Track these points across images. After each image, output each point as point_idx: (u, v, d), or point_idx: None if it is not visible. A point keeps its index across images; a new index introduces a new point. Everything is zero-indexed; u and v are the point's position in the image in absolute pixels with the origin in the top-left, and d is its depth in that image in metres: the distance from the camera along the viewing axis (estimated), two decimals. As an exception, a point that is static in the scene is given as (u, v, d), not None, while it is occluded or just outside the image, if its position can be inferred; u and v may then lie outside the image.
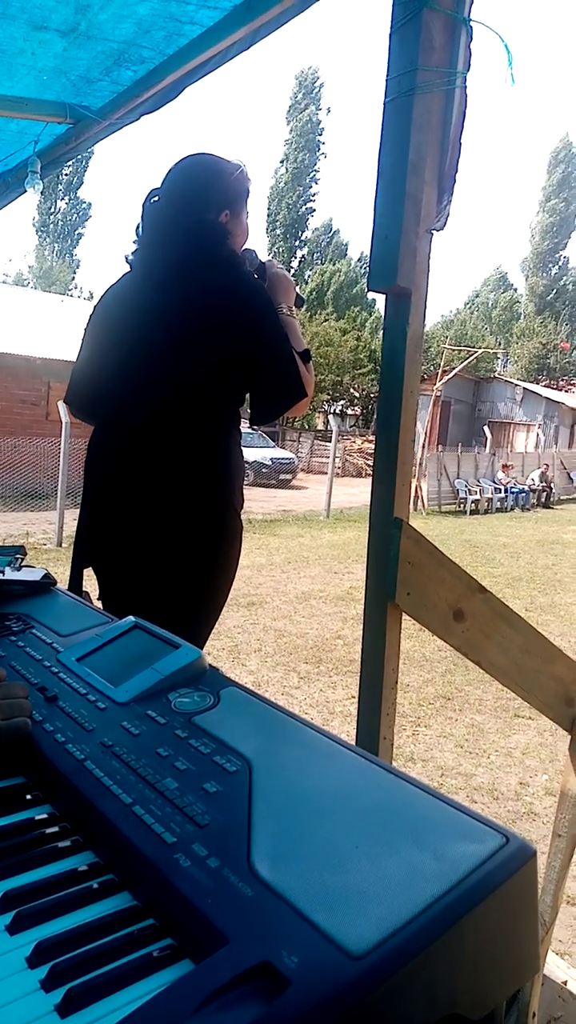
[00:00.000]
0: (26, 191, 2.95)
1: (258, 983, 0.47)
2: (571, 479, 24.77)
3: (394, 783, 0.67)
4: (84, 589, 1.80)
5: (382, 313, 1.41)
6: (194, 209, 1.76)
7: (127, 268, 1.89)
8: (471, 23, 1.26)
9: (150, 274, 1.80)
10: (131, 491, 1.75)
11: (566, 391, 37.75)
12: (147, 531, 1.73)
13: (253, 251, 1.90)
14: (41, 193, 2.91)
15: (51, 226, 47.54)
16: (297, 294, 1.91)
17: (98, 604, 1.51)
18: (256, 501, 16.38)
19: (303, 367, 1.73)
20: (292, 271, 49.94)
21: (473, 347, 29.77)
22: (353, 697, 4.40)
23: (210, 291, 1.70)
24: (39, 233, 47.74)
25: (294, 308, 1.87)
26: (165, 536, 1.72)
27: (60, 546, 9.35)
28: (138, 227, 1.84)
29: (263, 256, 1.92)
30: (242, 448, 1.84)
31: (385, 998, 0.46)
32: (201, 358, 1.70)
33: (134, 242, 1.86)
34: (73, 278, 46.68)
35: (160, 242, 1.79)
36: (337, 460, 19.46)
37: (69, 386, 1.90)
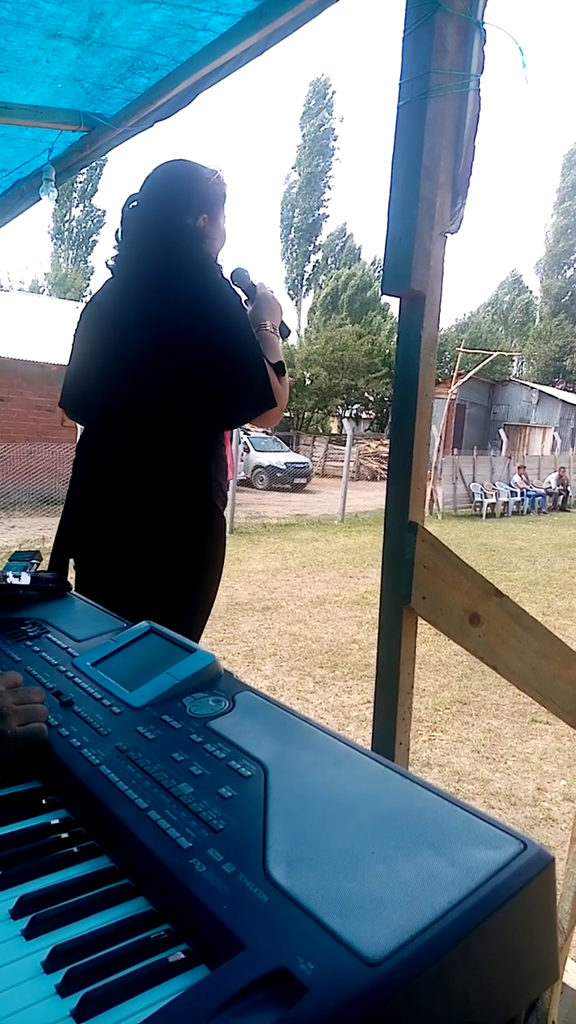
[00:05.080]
0: (41, 199, 2.97)
1: (274, 989, 0.47)
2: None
3: (410, 788, 0.66)
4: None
5: (396, 316, 1.41)
6: (171, 213, 1.80)
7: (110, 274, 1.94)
8: (484, 26, 1.26)
9: (128, 279, 1.86)
10: (112, 488, 1.80)
11: (582, 393, 37.49)
12: (125, 529, 1.77)
13: (245, 271, 1.94)
14: (56, 201, 2.93)
15: (66, 233, 47.82)
16: (283, 323, 1.93)
17: None
18: (270, 505, 16.38)
19: (275, 378, 1.75)
20: (307, 275, 50.06)
21: (488, 350, 29.67)
22: (369, 702, 4.39)
23: (180, 295, 1.73)
24: (54, 240, 48.05)
25: (278, 331, 1.89)
26: (142, 533, 1.76)
27: (76, 551, 9.36)
28: (118, 232, 1.89)
29: (256, 278, 1.96)
30: (225, 448, 1.88)
31: (401, 1005, 0.46)
32: (170, 361, 1.73)
33: (115, 247, 1.90)
34: (87, 284, 46.90)
35: (138, 247, 1.83)
36: (352, 464, 19.43)
37: (62, 390, 1.97)
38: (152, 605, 1.54)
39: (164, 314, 1.73)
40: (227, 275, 1.86)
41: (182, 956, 0.54)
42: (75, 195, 46.36)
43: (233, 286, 1.83)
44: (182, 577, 1.78)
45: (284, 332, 1.94)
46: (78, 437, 1.95)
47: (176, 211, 1.80)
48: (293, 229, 49.30)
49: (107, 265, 1.91)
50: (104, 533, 1.81)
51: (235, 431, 12.71)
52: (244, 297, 1.90)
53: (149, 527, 1.76)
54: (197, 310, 1.71)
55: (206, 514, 1.79)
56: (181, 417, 1.76)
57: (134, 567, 1.77)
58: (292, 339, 36.83)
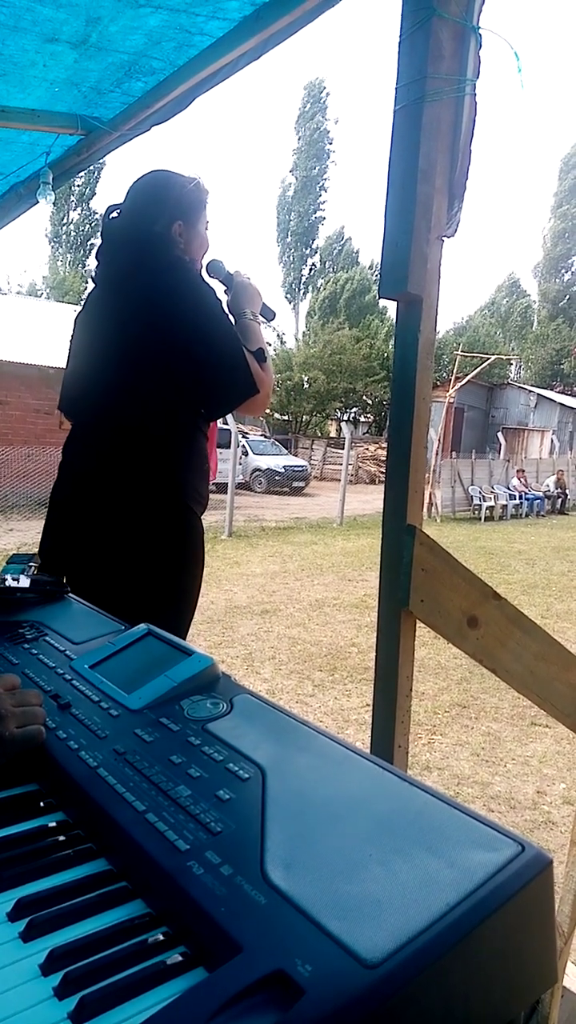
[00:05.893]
0: (38, 202, 2.97)
1: (272, 992, 0.47)
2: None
3: (408, 791, 0.66)
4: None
5: (394, 320, 1.41)
6: (143, 222, 1.85)
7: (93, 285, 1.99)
8: (480, 31, 1.26)
9: (106, 286, 1.91)
10: (89, 491, 1.82)
11: (580, 396, 37.49)
12: (102, 532, 1.80)
13: (220, 262, 1.95)
14: (53, 204, 2.94)
15: (63, 237, 47.80)
16: (265, 305, 1.95)
17: None
18: (269, 509, 16.37)
19: (256, 365, 1.77)
20: (304, 279, 50.10)
21: (486, 353, 29.69)
22: (368, 705, 4.38)
23: (153, 296, 1.76)
24: (52, 244, 48.03)
25: (259, 317, 1.91)
26: (117, 537, 1.78)
27: (74, 555, 9.34)
28: (100, 242, 1.94)
29: (232, 267, 1.97)
30: (208, 450, 1.90)
31: (399, 1007, 0.46)
32: (150, 360, 1.76)
33: (96, 257, 1.95)
34: (85, 288, 46.85)
35: (114, 255, 1.88)
36: (350, 467, 19.44)
37: (60, 393, 2.02)
38: (131, 607, 1.54)
39: (139, 315, 1.77)
40: (203, 271, 1.89)
41: (180, 958, 0.54)
42: (73, 198, 46.38)
43: (209, 279, 1.86)
44: (158, 581, 1.79)
45: (268, 315, 1.95)
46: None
47: (148, 219, 1.85)
48: (290, 233, 49.36)
49: (91, 277, 1.98)
50: (83, 536, 1.84)
51: (234, 435, 12.69)
52: (224, 288, 1.92)
53: (124, 531, 1.78)
54: (169, 308, 1.74)
55: (182, 518, 1.80)
56: (165, 415, 1.78)
57: (112, 571, 1.79)
58: (290, 343, 36.79)
